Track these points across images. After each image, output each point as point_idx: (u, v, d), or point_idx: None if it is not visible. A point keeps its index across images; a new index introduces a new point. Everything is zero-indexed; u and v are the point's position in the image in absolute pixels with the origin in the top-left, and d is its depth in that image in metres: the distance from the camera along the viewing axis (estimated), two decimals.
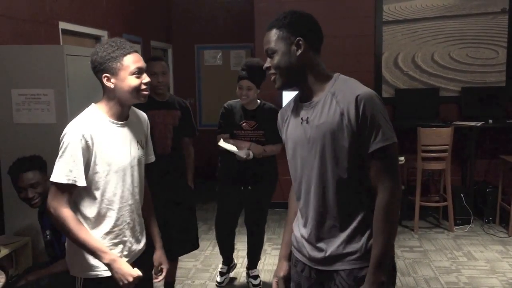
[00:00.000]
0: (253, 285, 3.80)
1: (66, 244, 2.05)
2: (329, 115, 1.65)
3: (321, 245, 1.72)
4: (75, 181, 1.85)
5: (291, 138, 1.78)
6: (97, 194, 1.93)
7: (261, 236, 3.84)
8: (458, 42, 5.48)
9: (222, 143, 3.39)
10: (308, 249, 1.77)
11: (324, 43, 1.76)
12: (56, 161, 1.87)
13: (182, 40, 7.16)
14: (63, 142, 1.87)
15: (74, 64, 3.26)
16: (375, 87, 5.43)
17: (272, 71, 1.73)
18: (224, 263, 3.88)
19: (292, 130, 1.78)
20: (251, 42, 6.05)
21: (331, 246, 1.70)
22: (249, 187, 3.57)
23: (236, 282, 3.93)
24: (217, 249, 4.25)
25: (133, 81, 1.91)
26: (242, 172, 3.50)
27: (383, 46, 5.57)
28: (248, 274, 3.87)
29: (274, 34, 1.70)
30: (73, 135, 1.86)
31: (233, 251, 3.89)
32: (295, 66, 1.69)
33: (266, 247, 4.60)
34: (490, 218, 5.10)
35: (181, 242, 3.39)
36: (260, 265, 4.13)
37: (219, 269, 3.90)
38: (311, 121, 1.69)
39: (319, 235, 1.73)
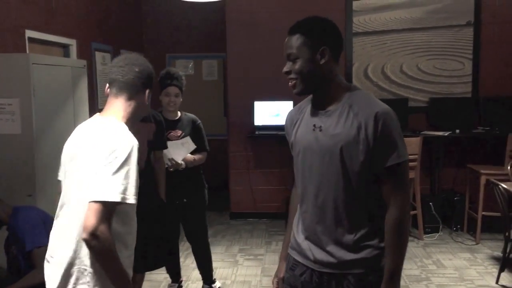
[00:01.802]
0: None
1: (94, 270, 1.72)
2: (345, 126, 1.65)
3: (329, 248, 1.71)
4: (127, 198, 1.67)
5: (300, 143, 1.77)
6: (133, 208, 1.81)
7: (207, 250, 3.71)
8: (425, 53, 5.60)
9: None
10: (314, 251, 1.75)
11: None
12: (106, 177, 1.65)
13: (153, 49, 7.10)
14: (117, 157, 1.67)
15: (40, 73, 3.19)
16: None
17: (293, 75, 1.71)
18: (173, 281, 3.77)
19: (302, 134, 1.77)
20: (223, 52, 6.05)
21: (340, 251, 1.70)
22: (184, 200, 3.51)
23: None
24: (188, 261, 4.20)
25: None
26: (175, 186, 3.43)
27: (353, 57, 5.65)
28: None
29: (297, 39, 1.67)
30: (130, 147, 1.71)
31: (179, 268, 3.77)
32: (318, 74, 1.69)
33: (238, 258, 4.57)
34: (458, 226, 5.20)
35: (156, 257, 3.25)
36: (232, 276, 4.09)
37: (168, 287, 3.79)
38: (324, 130, 1.69)
39: (326, 239, 1.72)
